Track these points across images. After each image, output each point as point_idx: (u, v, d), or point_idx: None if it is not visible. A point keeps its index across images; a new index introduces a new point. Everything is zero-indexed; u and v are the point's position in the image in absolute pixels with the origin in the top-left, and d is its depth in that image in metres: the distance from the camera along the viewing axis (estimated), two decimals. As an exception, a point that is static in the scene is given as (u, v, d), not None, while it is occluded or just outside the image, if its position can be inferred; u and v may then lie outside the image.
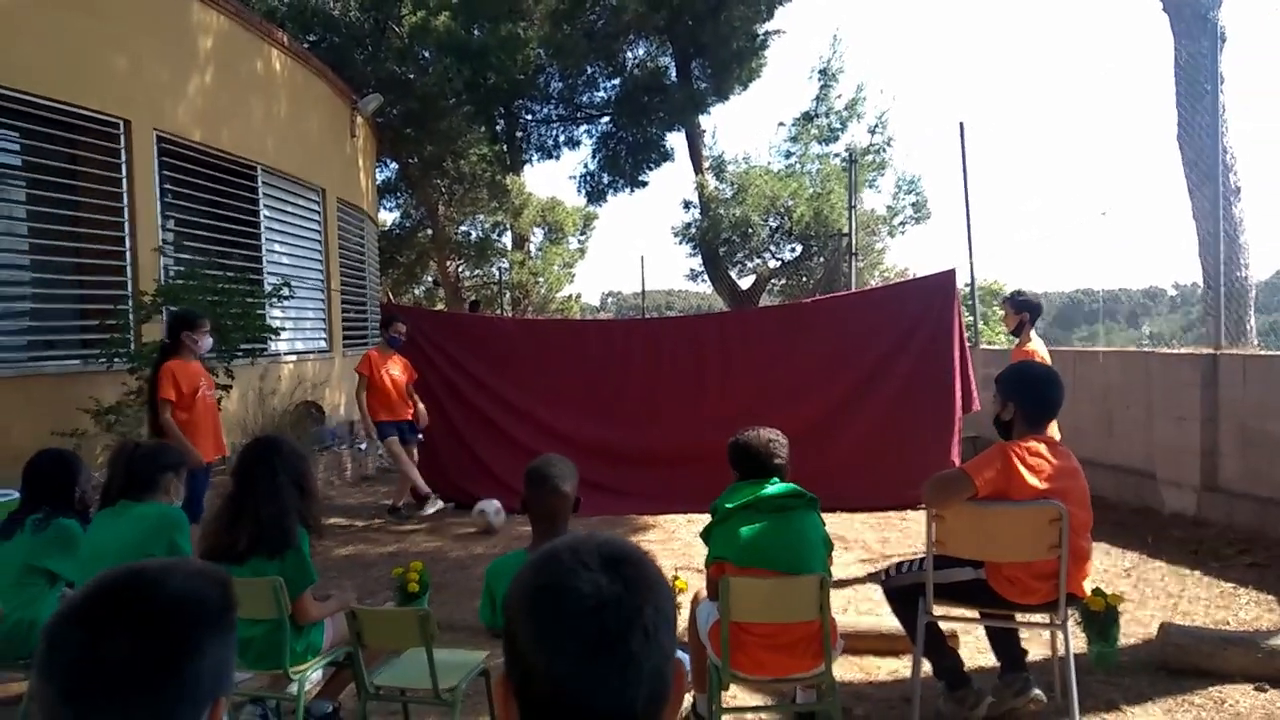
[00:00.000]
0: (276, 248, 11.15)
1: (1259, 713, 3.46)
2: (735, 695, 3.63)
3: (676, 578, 4.60)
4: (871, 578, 5.31)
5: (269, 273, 10.59)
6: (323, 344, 12.49)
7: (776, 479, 3.13)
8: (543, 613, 0.91)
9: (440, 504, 7.53)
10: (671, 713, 0.95)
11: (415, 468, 7.64)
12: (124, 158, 8.20)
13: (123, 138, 8.20)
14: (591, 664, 0.88)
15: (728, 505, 3.10)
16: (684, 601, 3.50)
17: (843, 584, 5.16)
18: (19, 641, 3.39)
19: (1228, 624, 4.44)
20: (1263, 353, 6.15)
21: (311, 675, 3.31)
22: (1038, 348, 5.67)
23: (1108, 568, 5.39)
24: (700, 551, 5.98)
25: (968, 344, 7.42)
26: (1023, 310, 5.69)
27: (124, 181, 8.21)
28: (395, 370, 7.56)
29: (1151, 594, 4.94)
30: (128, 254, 8.23)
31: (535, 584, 0.94)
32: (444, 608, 4.88)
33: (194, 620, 1.04)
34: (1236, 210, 7.26)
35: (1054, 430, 3.66)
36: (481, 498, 7.70)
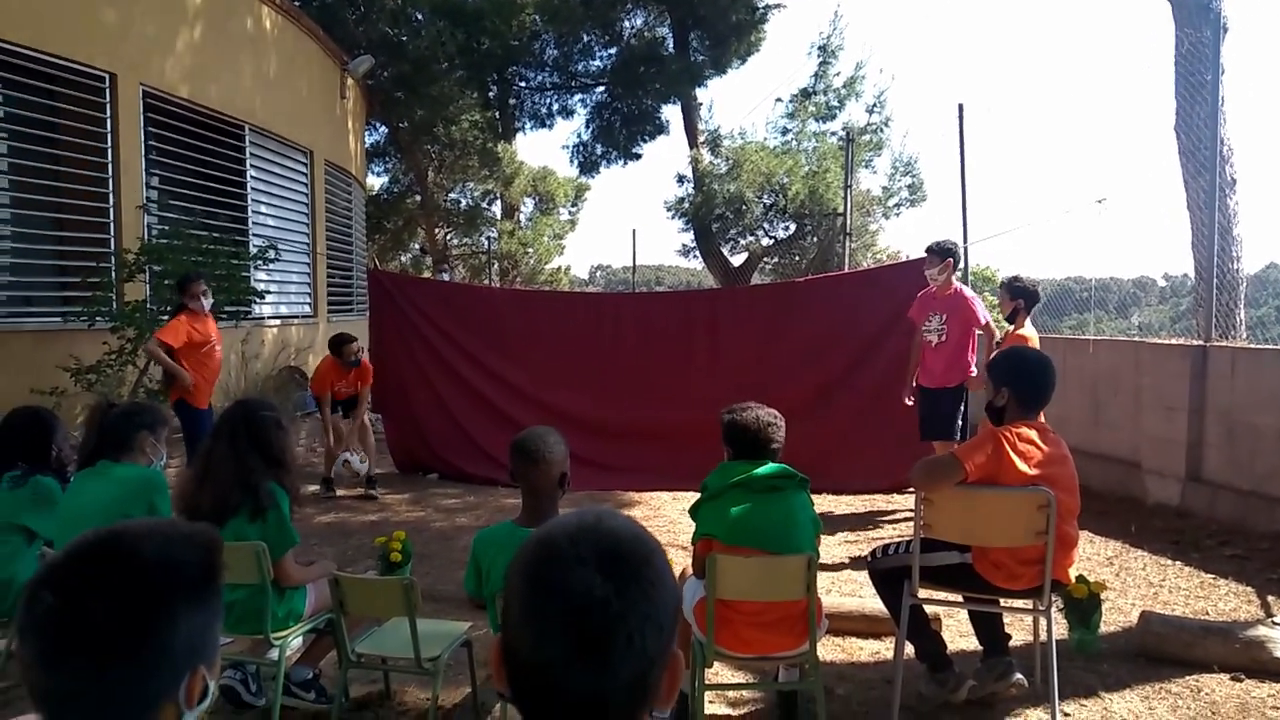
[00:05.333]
0: (263, 209, 11.01)
1: (1234, 702, 3.48)
2: (717, 672, 3.62)
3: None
4: (855, 560, 5.32)
5: (254, 234, 10.47)
6: (307, 309, 12.38)
7: (769, 460, 3.10)
8: (532, 599, 0.91)
9: (338, 490, 7.30)
10: (667, 699, 0.94)
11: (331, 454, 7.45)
12: (109, 112, 8.04)
13: (108, 91, 8.03)
14: (570, 658, 0.87)
15: (719, 483, 3.07)
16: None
17: (827, 565, 5.16)
18: (-4, 598, 3.36)
19: (1207, 614, 4.46)
20: (1252, 346, 6.16)
21: (292, 641, 3.28)
22: (1030, 335, 5.77)
23: (1090, 556, 5.42)
24: (685, 528, 5.98)
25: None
26: (1018, 297, 5.84)
27: (108, 136, 8.06)
28: (345, 388, 7.33)
29: (1133, 583, 4.97)
30: (111, 211, 8.10)
31: (531, 568, 0.93)
32: (426, 578, 4.86)
33: (167, 586, 1.02)
34: (1231, 202, 7.23)
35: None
36: (467, 469, 7.67)
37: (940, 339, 6.07)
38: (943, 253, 6.13)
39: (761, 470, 3.04)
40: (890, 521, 6.41)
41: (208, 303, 6.21)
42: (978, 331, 6.09)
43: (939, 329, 6.07)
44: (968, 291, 6.19)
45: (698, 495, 3.19)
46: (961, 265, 8.54)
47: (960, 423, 6.09)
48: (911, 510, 3.46)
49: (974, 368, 6.03)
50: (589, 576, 0.89)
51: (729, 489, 3.02)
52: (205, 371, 6.09)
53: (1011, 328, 5.91)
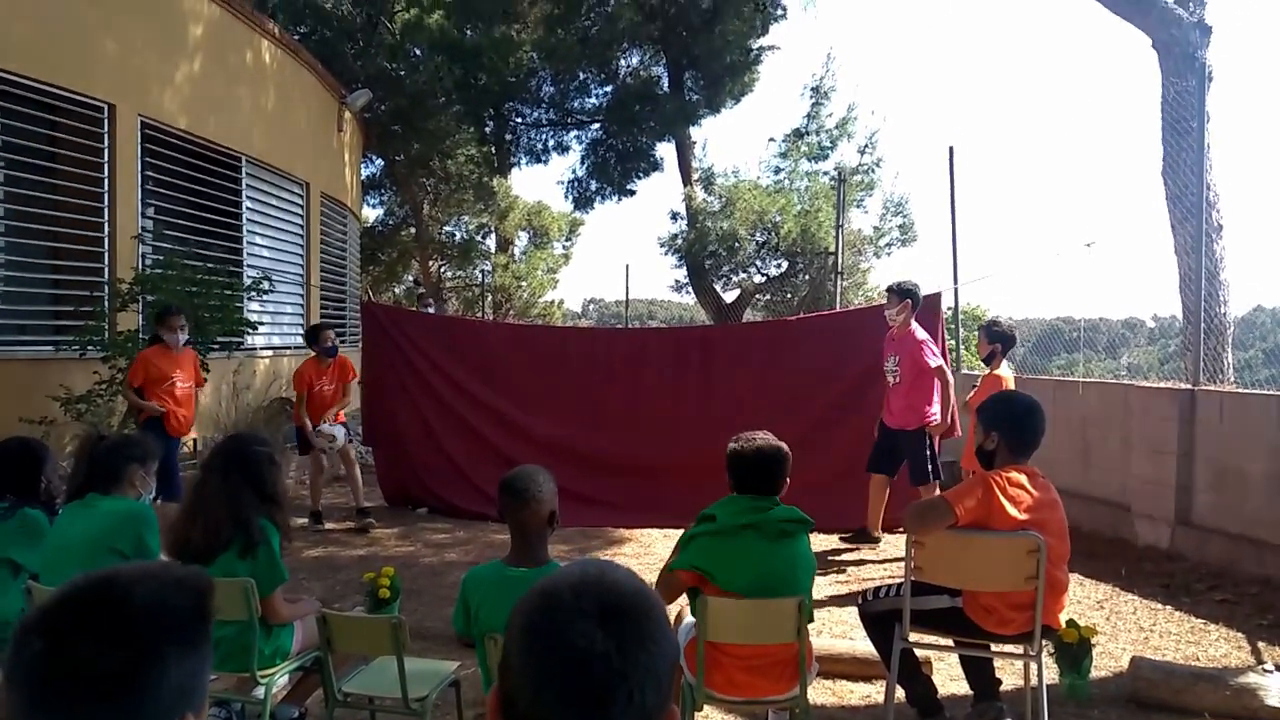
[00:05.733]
0: (258, 240, 11.05)
1: (1226, 750, 3.47)
2: (708, 716, 3.60)
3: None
4: (845, 599, 5.29)
5: (249, 265, 10.50)
6: (300, 340, 12.36)
7: (774, 495, 3.05)
8: (532, 652, 0.90)
9: (327, 524, 7.23)
10: None
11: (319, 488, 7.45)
12: (107, 142, 8.10)
13: (106, 122, 8.09)
14: (570, 712, 0.87)
15: (729, 521, 2.98)
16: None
17: (818, 606, 5.13)
18: (-22, 632, 3.31)
19: (1198, 659, 4.46)
20: (1240, 390, 6.21)
21: (279, 679, 3.25)
22: (1006, 376, 5.97)
23: (1081, 599, 5.41)
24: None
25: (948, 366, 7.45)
26: (995, 340, 6.13)
27: (106, 167, 8.11)
28: (328, 386, 7.23)
29: (1123, 627, 4.96)
30: (106, 240, 8.12)
31: (532, 620, 0.92)
32: (415, 614, 4.82)
33: (157, 631, 1.01)
34: (1218, 247, 7.33)
35: None
36: (457, 504, 7.63)
37: (895, 380, 6.33)
38: (902, 293, 6.36)
39: (775, 514, 2.99)
40: (880, 562, 6.39)
41: (182, 338, 6.31)
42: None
43: (894, 370, 6.34)
44: (920, 334, 6.33)
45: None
46: (950, 305, 8.62)
47: (931, 465, 6.27)
48: (901, 552, 3.46)
49: (933, 413, 6.22)
50: (591, 631, 0.89)
51: (740, 529, 2.95)
52: (174, 404, 6.23)
53: (989, 369, 6.08)
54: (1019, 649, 3.38)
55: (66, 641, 0.97)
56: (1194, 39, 7.77)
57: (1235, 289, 7.44)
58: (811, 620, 2.95)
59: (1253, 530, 5.65)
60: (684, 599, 3.23)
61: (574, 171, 20.90)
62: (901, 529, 6.10)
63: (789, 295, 17.36)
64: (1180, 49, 7.80)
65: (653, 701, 0.90)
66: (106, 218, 8.11)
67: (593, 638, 0.88)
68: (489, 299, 23.00)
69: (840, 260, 12.01)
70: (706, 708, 3.28)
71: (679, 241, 17.78)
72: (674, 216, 18.51)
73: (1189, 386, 6.33)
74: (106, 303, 7.69)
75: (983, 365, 6.35)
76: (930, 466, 6.22)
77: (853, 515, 7.02)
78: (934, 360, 6.24)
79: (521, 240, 25.28)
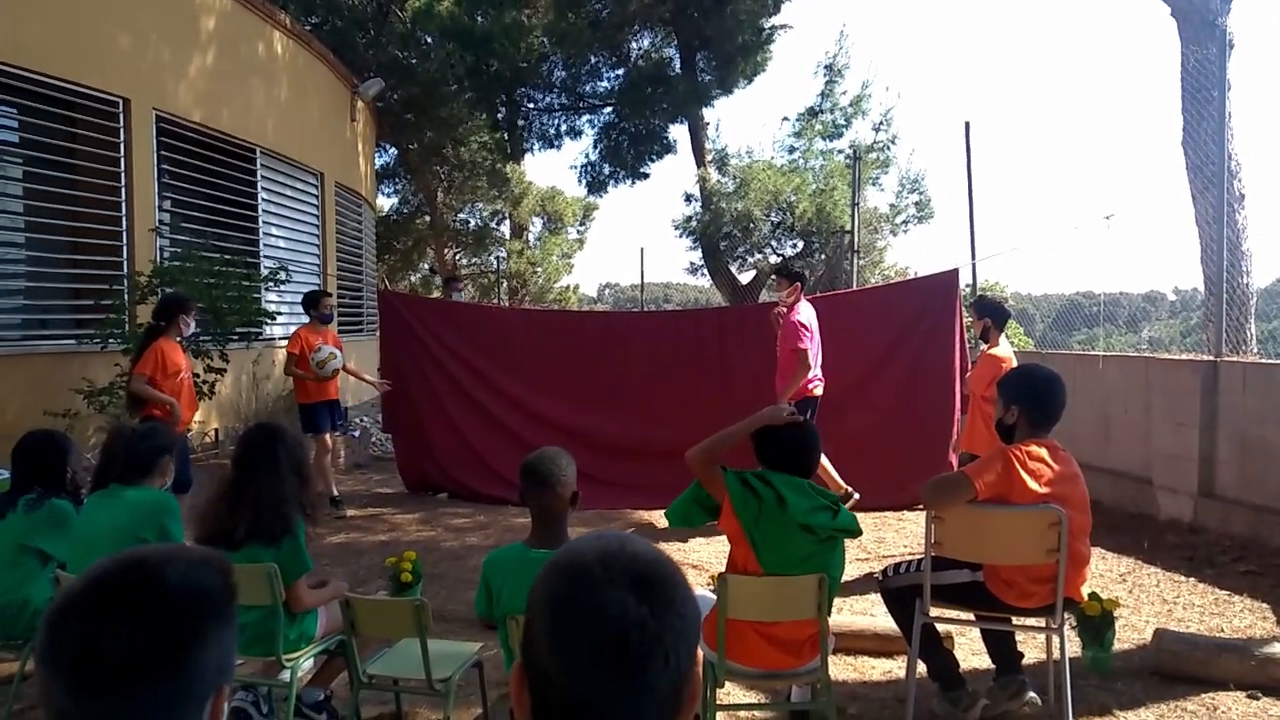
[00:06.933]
0: (274, 231, 11.10)
1: (1251, 721, 3.45)
2: (729, 692, 3.62)
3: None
4: (867, 578, 5.29)
5: (265, 256, 10.56)
6: (319, 329, 12.42)
7: (837, 498, 3.01)
8: (564, 625, 0.90)
9: (348, 511, 7.18)
10: (689, 711, 0.95)
11: (329, 470, 7.26)
12: (123, 137, 8.15)
13: (122, 116, 8.14)
14: (608, 684, 0.88)
15: (797, 519, 2.88)
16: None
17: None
18: (11, 621, 3.39)
19: (1222, 631, 4.43)
20: (1263, 361, 6.14)
21: (304, 663, 3.29)
22: (1004, 354, 5.63)
23: (1103, 573, 5.39)
24: (696, 546, 5.98)
25: (968, 345, 7.40)
26: (985, 314, 5.81)
27: (122, 161, 8.16)
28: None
29: (1146, 600, 4.94)
30: (124, 234, 8.19)
31: (560, 592, 0.93)
32: (437, 598, 4.86)
33: (196, 611, 1.03)
34: (1240, 217, 7.23)
35: None
36: (477, 489, 7.68)
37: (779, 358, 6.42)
38: (791, 276, 6.57)
39: (839, 522, 2.93)
40: (901, 538, 6.38)
41: (192, 327, 5.95)
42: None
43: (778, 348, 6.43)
44: (796, 317, 6.32)
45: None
46: (969, 282, 8.55)
47: None
48: (923, 528, 3.45)
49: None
50: (624, 599, 0.90)
51: (800, 529, 2.89)
52: (184, 399, 5.70)
53: (985, 347, 5.78)
54: (1041, 622, 3.37)
55: (108, 625, 0.97)
56: (1214, 5, 7.64)
57: (1258, 259, 7.36)
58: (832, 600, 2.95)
59: (1277, 502, 5.60)
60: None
61: (587, 156, 20.87)
62: (921, 504, 6.07)
63: (805, 275, 17.28)
64: (1200, 15, 7.68)
65: (685, 663, 0.91)
66: (124, 211, 8.17)
67: (626, 605, 0.89)
68: (504, 285, 23.03)
69: (856, 239, 11.93)
70: (728, 684, 3.30)
71: (693, 223, 17.71)
72: (688, 198, 18.43)
73: (1211, 358, 6.27)
74: (126, 295, 7.76)
75: (1003, 345, 6.16)
76: None
77: (873, 492, 7.01)
78: (793, 343, 6.19)
79: (536, 226, 25.27)
